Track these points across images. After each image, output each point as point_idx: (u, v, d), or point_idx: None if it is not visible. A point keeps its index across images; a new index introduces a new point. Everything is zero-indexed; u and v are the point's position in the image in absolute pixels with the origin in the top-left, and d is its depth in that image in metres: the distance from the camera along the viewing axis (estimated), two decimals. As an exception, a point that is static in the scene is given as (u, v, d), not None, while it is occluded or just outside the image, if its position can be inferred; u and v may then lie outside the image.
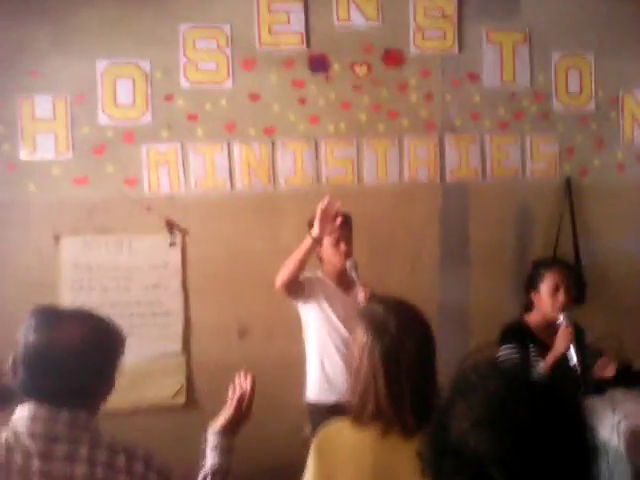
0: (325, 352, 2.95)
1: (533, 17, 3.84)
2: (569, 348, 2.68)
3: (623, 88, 3.94)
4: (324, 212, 2.71)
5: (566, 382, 2.57)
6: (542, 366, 2.72)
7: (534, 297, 2.91)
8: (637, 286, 3.87)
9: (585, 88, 3.91)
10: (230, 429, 1.67)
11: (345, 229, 2.94)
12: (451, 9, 3.76)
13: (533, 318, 2.92)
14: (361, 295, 2.80)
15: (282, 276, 2.78)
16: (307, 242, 2.74)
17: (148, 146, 3.51)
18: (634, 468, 2.64)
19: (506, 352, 2.81)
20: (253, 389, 1.72)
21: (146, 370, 3.40)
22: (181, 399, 3.50)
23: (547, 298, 2.85)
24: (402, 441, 1.50)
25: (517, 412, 0.92)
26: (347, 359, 2.87)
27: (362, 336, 1.58)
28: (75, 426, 1.41)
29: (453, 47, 3.78)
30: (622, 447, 2.58)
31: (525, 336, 2.85)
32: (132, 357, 3.32)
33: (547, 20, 3.85)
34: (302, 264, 2.77)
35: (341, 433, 1.59)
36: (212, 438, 1.65)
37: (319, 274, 3.01)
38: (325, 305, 2.93)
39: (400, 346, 1.54)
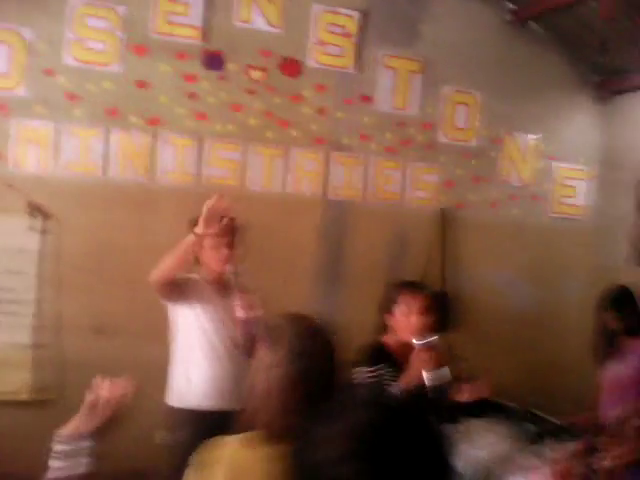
0: (192, 357, 2.86)
1: (431, 48, 4.01)
2: (423, 371, 2.74)
3: (505, 129, 4.19)
4: (211, 210, 2.58)
5: (421, 404, 2.65)
6: (397, 388, 2.77)
7: (388, 319, 2.87)
8: (500, 317, 4.10)
9: (470, 124, 4.12)
10: (80, 434, 1.54)
11: (231, 234, 2.85)
12: (353, 28, 3.84)
13: (390, 339, 2.90)
14: (239, 303, 2.70)
15: (158, 272, 2.65)
16: (189, 239, 2.62)
17: (19, 120, 3.33)
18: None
19: (362, 373, 2.79)
20: (124, 394, 1.63)
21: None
22: (26, 394, 3.31)
23: (400, 320, 2.82)
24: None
25: (383, 447, 0.92)
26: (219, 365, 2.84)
27: (264, 352, 1.55)
28: None
29: (350, 66, 3.87)
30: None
31: (381, 357, 2.82)
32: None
33: (443, 53, 4.03)
34: (181, 262, 2.66)
35: (230, 452, 1.54)
36: (58, 445, 1.51)
37: (196, 276, 2.92)
38: (198, 309, 2.84)
39: (302, 369, 1.51)
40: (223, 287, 2.89)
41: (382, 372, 2.81)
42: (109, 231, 3.43)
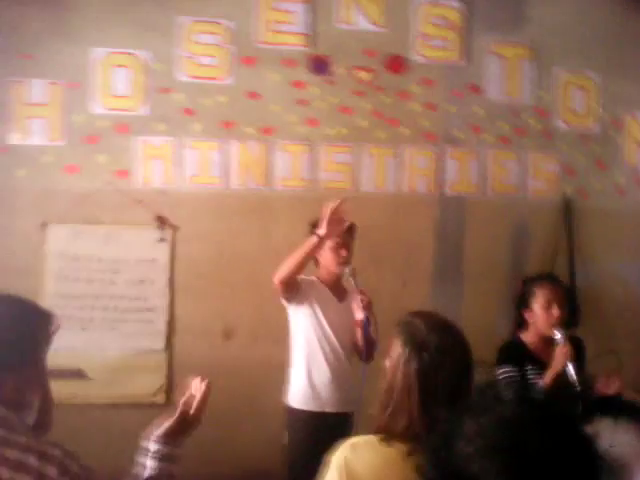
0: (313, 359, 2.96)
1: (540, 32, 3.93)
2: (567, 365, 2.71)
3: (628, 110, 4.04)
4: (333, 213, 2.72)
5: (566, 400, 2.64)
6: (541, 385, 2.78)
7: (527, 315, 2.94)
8: (630, 312, 3.96)
9: (589, 107, 4.00)
10: (173, 436, 1.57)
11: (348, 236, 2.97)
12: (457, 18, 3.85)
13: (528, 336, 2.95)
14: (357, 304, 2.80)
15: (281, 272, 2.77)
16: (312, 240, 2.74)
17: (142, 138, 3.58)
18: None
19: (505, 373, 2.85)
20: (206, 396, 1.64)
21: (127, 365, 3.46)
22: (161, 397, 3.55)
23: (540, 314, 2.89)
24: None
25: (527, 443, 0.91)
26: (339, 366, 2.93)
27: (400, 350, 1.59)
28: None
29: (457, 57, 3.87)
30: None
31: (522, 355, 2.89)
32: (114, 351, 3.45)
33: (553, 36, 3.94)
34: (304, 263, 2.78)
35: (368, 449, 1.58)
36: (152, 445, 1.55)
37: (314, 278, 3.04)
38: (318, 310, 2.95)
39: (439, 365, 1.54)
40: (340, 289, 3.00)
41: (524, 370, 2.84)
42: (231, 238, 3.62)
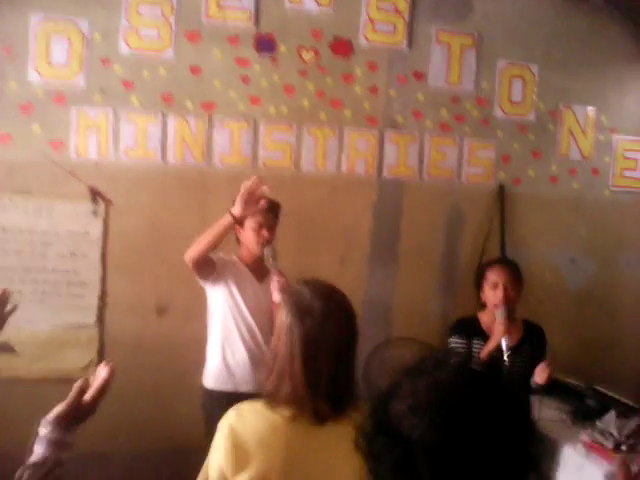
0: (228, 339, 2.95)
1: (484, 22, 4.00)
2: (501, 340, 2.90)
3: (563, 102, 4.14)
4: (248, 191, 2.66)
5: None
6: (478, 357, 3.01)
7: (481, 295, 3.19)
8: (557, 296, 4.10)
9: (527, 98, 4.09)
10: (63, 422, 1.46)
11: (270, 215, 2.94)
12: (404, 5, 3.87)
13: (484, 315, 3.20)
14: (275, 285, 2.79)
15: (192, 251, 2.74)
16: (225, 219, 2.71)
17: (78, 109, 3.49)
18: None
19: (453, 343, 3.15)
20: (106, 382, 1.53)
21: (57, 340, 3.40)
22: (91, 373, 3.48)
23: (488, 294, 3.13)
24: (313, 426, 1.57)
25: (457, 402, 0.96)
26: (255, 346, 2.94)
27: (284, 317, 1.62)
28: None
29: (402, 43, 3.89)
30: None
31: (473, 330, 3.15)
32: (43, 326, 3.38)
33: (497, 27, 4.02)
34: (216, 241, 2.73)
35: (253, 415, 1.61)
36: (41, 429, 1.44)
37: (234, 257, 3.02)
38: (235, 290, 2.93)
39: (321, 331, 1.57)
40: (260, 269, 2.98)
41: (473, 344, 3.10)
42: (168, 214, 3.58)
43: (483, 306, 3.19)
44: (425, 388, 0.98)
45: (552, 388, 3.43)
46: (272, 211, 2.94)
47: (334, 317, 1.60)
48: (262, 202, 2.75)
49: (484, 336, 3.09)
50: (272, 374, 1.62)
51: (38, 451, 1.43)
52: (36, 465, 1.41)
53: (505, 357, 2.86)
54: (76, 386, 1.51)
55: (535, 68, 4.09)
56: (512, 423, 0.97)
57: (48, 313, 3.41)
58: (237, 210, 2.68)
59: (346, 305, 1.66)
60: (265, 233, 2.91)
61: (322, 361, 1.57)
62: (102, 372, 1.56)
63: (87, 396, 1.50)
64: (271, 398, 1.60)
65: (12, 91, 3.42)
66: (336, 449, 1.53)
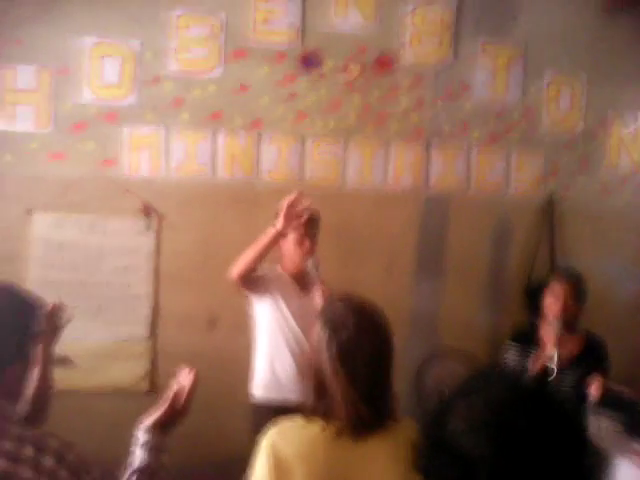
0: (276, 351, 2.98)
1: (529, 34, 3.96)
2: (551, 352, 2.94)
3: (612, 112, 4.07)
4: (290, 206, 2.74)
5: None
6: (527, 365, 3.04)
7: (543, 305, 3.19)
8: (609, 309, 4.00)
9: (575, 108, 4.03)
10: (162, 426, 1.58)
11: (311, 227, 2.98)
12: (449, 18, 3.86)
13: (544, 324, 3.19)
14: (319, 295, 2.83)
15: (238, 266, 2.80)
16: (269, 233, 2.78)
17: (130, 127, 3.56)
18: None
19: (509, 346, 3.19)
20: (194, 386, 1.65)
21: (111, 352, 3.46)
22: (144, 385, 3.56)
23: (548, 304, 3.14)
24: (354, 441, 1.57)
25: (514, 420, 0.96)
26: (303, 358, 2.94)
27: (320, 332, 1.64)
28: None
29: (448, 56, 3.88)
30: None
31: (530, 337, 3.17)
32: (98, 338, 3.44)
33: (542, 38, 3.97)
34: (261, 256, 2.79)
35: (293, 430, 1.62)
36: (142, 435, 1.55)
37: (278, 269, 3.05)
38: (281, 302, 2.96)
39: (357, 345, 1.58)
40: (303, 281, 3.00)
41: (528, 352, 3.12)
42: (218, 228, 3.63)
43: (543, 315, 3.19)
44: (481, 405, 0.99)
45: (605, 398, 3.38)
46: (313, 223, 2.98)
47: (368, 331, 1.61)
48: (304, 216, 2.78)
49: (540, 345, 3.11)
50: (315, 390, 1.63)
51: (141, 456, 1.52)
52: (142, 469, 1.50)
53: (552, 368, 2.89)
54: (171, 392, 1.62)
55: (583, 78, 4.03)
56: (567, 438, 0.97)
57: (103, 326, 3.47)
58: (280, 224, 2.73)
59: (380, 319, 1.67)
60: (307, 245, 2.95)
61: (359, 375, 1.58)
62: (187, 378, 1.65)
63: (181, 400, 1.61)
64: (311, 413, 1.62)
65: (66, 111, 3.51)
66: (377, 462, 1.54)
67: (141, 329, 3.56)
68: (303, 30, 3.71)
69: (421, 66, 3.85)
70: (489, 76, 3.94)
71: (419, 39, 3.84)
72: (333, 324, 1.62)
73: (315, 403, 1.61)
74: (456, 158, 3.90)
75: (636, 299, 4.10)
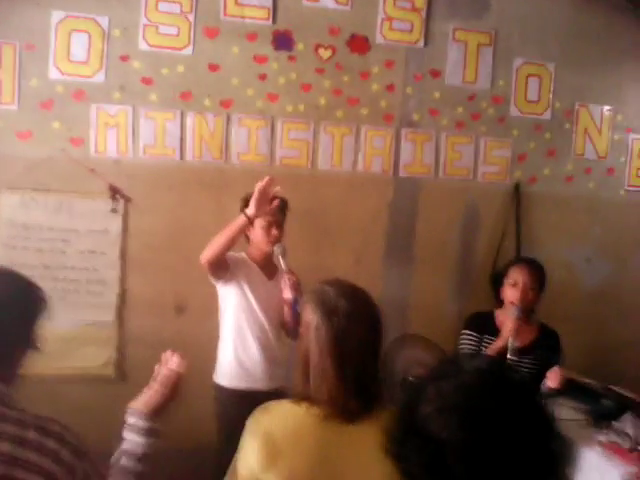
0: (241, 337, 2.97)
1: (501, 20, 3.97)
2: (510, 339, 2.93)
3: (579, 101, 4.12)
4: (262, 192, 2.68)
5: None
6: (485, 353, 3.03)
7: (501, 292, 3.19)
8: (572, 296, 4.09)
9: (543, 97, 4.07)
10: (156, 411, 1.60)
11: (279, 214, 2.95)
12: (421, 2, 3.84)
13: (501, 312, 3.20)
14: (286, 283, 2.81)
15: (208, 252, 2.76)
16: (240, 220, 2.73)
17: (98, 106, 3.49)
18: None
19: (465, 335, 3.17)
20: (184, 370, 1.67)
21: (77, 337, 3.40)
22: (110, 370, 3.52)
23: (506, 292, 3.13)
24: (344, 424, 1.58)
25: (483, 403, 0.99)
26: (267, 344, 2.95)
27: (311, 316, 1.63)
28: None
29: (419, 41, 3.87)
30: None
31: (485, 325, 3.15)
32: (62, 323, 3.39)
33: (513, 26, 3.99)
34: (231, 242, 2.76)
35: (283, 413, 1.63)
36: (134, 419, 1.57)
37: (244, 255, 3.03)
38: (246, 288, 2.94)
39: (348, 330, 1.59)
40: (269, 267, 2.99)
41: (484, 339, 3.12)
42: (187, 212, 3.58)
43: (501, 303, 3.20)
44: (451, 390, 1.01)
45: (567, 388, 3.43)
46: (281, 209, 2.95)
47: (360, 316, 1.62)
48: (275, 202, 2.77)
49: (496, 333, 3.09)
50: (304, 373, 1.63)
51: (133, 439, 1.54)
52: (138, 454, 1.52)
53: (508, 356, 2.89)
54: (162, 376, 1.63)
55: (551, 66, 4.06)
56: (535, 421, 1.00)
57: (68, 311, 3.41)
58: (251, 210, 2.71)
59: (371, 304, 1.68)
60: (275, 231, 2.93)
61: (350, 360, 1.58)
62: (176, 362, 1.66)
63: (171, 385, 1.63)
64: (301, 397, 1.62)
65: (33, 88, 3.41)
66: (366, 447, 1.54)
67: (108, 314, 3.51)
68: (275, 10, 3.65)
69: (392, 50, 3.83)
70: (459, 62, 3.94)
71: (391, 23, 3.81)
72: (324, 309, 1.62)
73: (304, 387, 1.62)
74: (426, 144, 3.91)
75: (599, 287, 4.18)
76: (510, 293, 3.10)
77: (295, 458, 1.54)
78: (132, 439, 1.55)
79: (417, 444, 0.99)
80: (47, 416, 1.41)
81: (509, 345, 2.91)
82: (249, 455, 1.57)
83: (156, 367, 1.68)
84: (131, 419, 1.57)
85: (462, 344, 3.16)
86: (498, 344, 3.00)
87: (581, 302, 4.14)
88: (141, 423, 1.56)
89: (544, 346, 3.12)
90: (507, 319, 3.03)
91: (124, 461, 1.53)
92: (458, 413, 0.98)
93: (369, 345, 1.63)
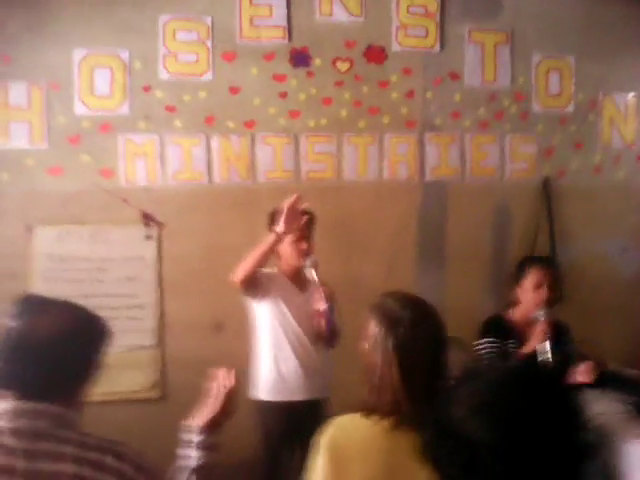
0: (280, 351, 2.97)
1: (515, 18, 3.94)
2: (544, 343, 2.82)
3: (603, 91, 4.06)
4: (290, 209, 2.71)
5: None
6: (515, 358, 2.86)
7: (518, 293, 3.06)
8: (610, 287, 4.00)
9: (565, 90, 4.02)
10: (213, 427, 1.61)
11: (308, 227, 2.96)
12: (434, 7, 3.83)
13: (516, 314, 3.07)
14: (319, 296, 2.83)
15: (241, 271, 2.77)
16: (270, 238, 2.76)
17: (125, 137, 3.54)
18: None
19: (486, 343, 2.98)
20: (237, 385, 1.68)
21: (119, 362, 3.42)
22: (155, 393, 3.55)
23: (529, 294, 3.00)
24: (410, 435, 1.55)
25: (513, 401, 0.98)
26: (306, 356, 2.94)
27: (376, 329, 1.64)
28: (61, 422, 1.39)
29: (435, 45, 3.86)
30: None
31: (505, 329, 3.01)
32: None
33: (529, 21, 3.95)
34: (263, 260, 2.78)
35: (353, 426, 1.63)
36: (195, 436, 1.59)
37: (275, 271, 3.03)
38: (281, 302, 2.95)
39: (414, 339, 1.60)
40: (300, 280, 3.00)
41: (507, 344, 2.93)
42: (218, 233, 3.61)
43: (514, 304, 3.09)
44: (482, 390, 1.01)
45: (610, 380, 3.36)
46: (309, 223, 2.96)
47: (424, 325, 1.63)
48: (303, 218, 2.78)
49: (518, 336, 2.97)
50: (371, 386, 1.64)
51: (189, 454, 1.56)
52: (200, 468, 1.54)
53: (546, 359, 2.78)
54: (218, 392, 1.65)
55: (571, 59, 4.01)
56: (566, 417, 1.00)
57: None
58: (281, 228, 2.72)
59: (434, 313, 1.69)
60: (303, 245, 2.94)
61: (417, 369, 1.59)
62: (228, 378, 1.67)
63: (227, 401, 1.65)
64: (369, 409, 1.62)
65: (60, 125, 3.49)
66: None
67: (147, 338, 3.55)
68: (290, 28, 3.68)
69: (409, 57, 3.83)
70: (477, 62, 3.92)
71: (405, 30, 3.81)
72: (388, 320, 1.63)
73: (371, 399, 1.62)
74: (450, 146, 3.88)
75: (635, 276, 4.09)
76: (533, 295, 2.99)
77: (363, 470, 1.55)
78: (188, 454, 1.57)
79: (453, 446, 0.99)
80: (118, 441, 1.45)
81: (547, 348, 2.81)
82: (319, 470, 1.58)
83: (206, 384, 1.69)
84: (186, 436, 1.59)
85: (484, 352, 2.98)
86: (530, 348, 2.86)
87: (620, 292, 4.04)
88: (196, 438, 1.58)
89: (558, 341, 3.01)
90: (532, 323, 2.92)
91: (180, 476, 1.55)
92: (490, 412, 0.97)
93: (435, 353, 1.64)
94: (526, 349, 2.88)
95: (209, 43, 3.61)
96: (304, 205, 2.80)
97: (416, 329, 1.60)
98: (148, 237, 3.52)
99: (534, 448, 0.94)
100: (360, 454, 1.55)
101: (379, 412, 1.59)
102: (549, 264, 3.14)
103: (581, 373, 2.85)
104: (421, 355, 1.59)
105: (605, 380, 3.35)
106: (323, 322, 2.85)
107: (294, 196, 2.73)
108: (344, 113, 3.77)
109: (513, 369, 1.08)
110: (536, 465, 0.95)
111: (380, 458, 1.55)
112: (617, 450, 2.70)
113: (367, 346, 1.66)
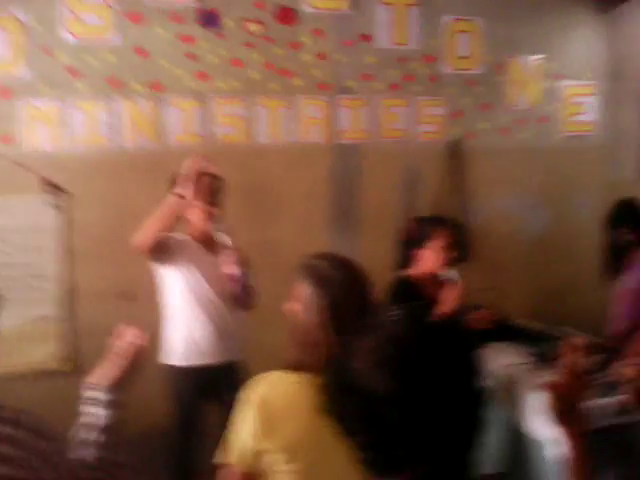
0: (193, 315, 2.92)
1: (426, -20, 3.91)
2: (453, 306, 2.76)
3: (509, 53, 4.11)
4: (189, 170, 2.65)
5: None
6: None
7: (420, 254, 2.94)
8: (516, 245, 4.12)
9: (474, 52, 4.05)
10: (115, 383, 1.55)
11: (215, 192, 2.90)
12: (345, -32, 3.78)
13: (417, 273, 2.95)
14: (230, 259, 2.79)
15: (142, 235, 2.70)
16: (170, 200, 2.69)
17: (25, 101, 3.38)
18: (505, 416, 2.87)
19: (393, 309, 2.92)
20: (145, 343, 1.64)
21: (24, 335, 3.33)
22: (67, 365, 3.46)
23: (434, 255, 2.90)
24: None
25: (415, 354, 1.01)
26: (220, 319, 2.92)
27: (308, 290, 1.63)
28: None
29: (346, 7, 3.81)
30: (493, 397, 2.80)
31: (411, 293, 2.87)
32: (9, 321, 3.29)
33: (439, -16, 3.93)
34: (166, 224, 2.70)
35: (283, 383, 1.61)
36: (92, 392, 1.53)
37: (185, 236, 2.97)
38: (193, 267, 2.90)
39: (345, 299, 1.60)
40: (210, 244, 2.93)
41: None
42: (123, 200, 3.51)
43: (409, 264, 2.98)
44: (383, 344, 1.04)
45: (514, 333, 3.47)
46: (216, 186, 2.89)
47: (355, 285, 1.63)
48: (204, 179, 2.73)
49: (423, 297, 2.81)
50: (304, 345, 1.62)
51: (93, 412, 1.50)
52: (108, 427, 1.48)
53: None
54: (123, 349, 1.59)
55: (480, 21, 4.04)
56: (464, 364, 1.02)
57: (13, 308, 3.33)
58: (181, 190, 2.66)
59: (363, 274, 1.69)
60: (212, 210, 2.87)
61: (347, 329, 1.56)
62: (135, 335, 1.63)
63: (133, 358, 1.60)
64: (299, 367, 1.60)
65: (-45, 88, 3.30)
66: None
67: (52, 309, 3.43)
68: (199, -12, 3.57)
69: (321, 18, 3.78)
70: (388, 24, 3.90)
71: (316, -9, 3.75)
72: (319, 280, 1.62)
73: (301, 357, 1.60)
74: (361, 109, 3.88)
75: (542, 234, 4.22)
76: (440, 256, 2.88)
77: (292, 426, 1.53)
78: (92, 412, 1.51)
79: (355, 400, 0.99)
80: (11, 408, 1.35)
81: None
82: (246, 426, 1.56)
83: (111, 341, 1.63)
84: (89, 393, 1.53)
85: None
86: (443, 313, 2.61)
87: (527, 249, 4.17)
88: (101, 396, 1.52)
89: None
90: (435, 284, 2.85)
91: (84, 434, 1.48)
92: (391, 365, 1.00)
93: (363, 311, 1.62)
94: (442, 309, 2.65)
95: (113, 4, 3.45)
96: (211, 169, 2.73)
97: (348, 288, 1.61)
98: (52, 205, 3.37)
99: (433, 398, 0.97)
100: (289, 411, 1.54)
101: (309, 370, 1.58)
102: (453, 225, 3.08)
103: (476, 320, 2.83)
104: (353, 312, 1.59)
105: (510, 333, 3.47)
106: (237, 287, 2.82)
107: (193, 156, 2.65)
108: (255, 75, 3.70)
109: (414, 322, 1.08)
110: (436, 414, 0.97)
111: (311, 413, 1.53)
112: (519, 399, 2.82)
113: (298, 306, 1.66)
